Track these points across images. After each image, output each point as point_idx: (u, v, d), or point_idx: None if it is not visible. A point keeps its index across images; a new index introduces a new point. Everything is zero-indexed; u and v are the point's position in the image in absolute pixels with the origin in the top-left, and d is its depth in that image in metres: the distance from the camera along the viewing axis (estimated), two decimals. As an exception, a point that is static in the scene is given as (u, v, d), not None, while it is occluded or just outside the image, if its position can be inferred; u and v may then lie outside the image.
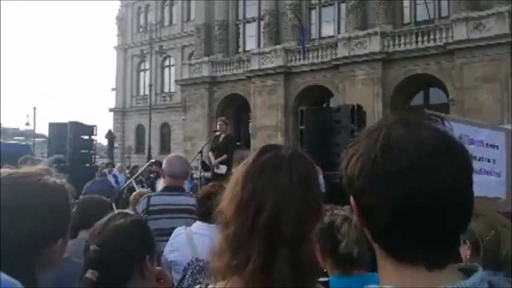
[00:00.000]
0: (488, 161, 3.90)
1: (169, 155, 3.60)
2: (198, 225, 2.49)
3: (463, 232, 0.68)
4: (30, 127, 36.91)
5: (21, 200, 0.97)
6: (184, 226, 2.58)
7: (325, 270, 1.71)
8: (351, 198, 0.71)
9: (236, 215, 0.91)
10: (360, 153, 0.69)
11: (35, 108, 36.81)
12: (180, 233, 2.52)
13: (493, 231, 1.88)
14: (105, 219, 1.48)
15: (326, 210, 1.62)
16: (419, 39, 19.26)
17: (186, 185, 6.79)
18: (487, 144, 3.92)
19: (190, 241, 2.41)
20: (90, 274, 1.33)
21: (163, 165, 3.37)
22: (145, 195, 3.50)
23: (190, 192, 4.04)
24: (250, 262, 0.87)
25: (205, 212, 2.38)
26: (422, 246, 0.65)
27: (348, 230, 1.65)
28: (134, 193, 5.08)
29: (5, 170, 1.03)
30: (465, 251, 1.88)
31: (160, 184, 5.45)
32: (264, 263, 0.87)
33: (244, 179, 0.93)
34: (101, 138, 28.95)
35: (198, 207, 2.55)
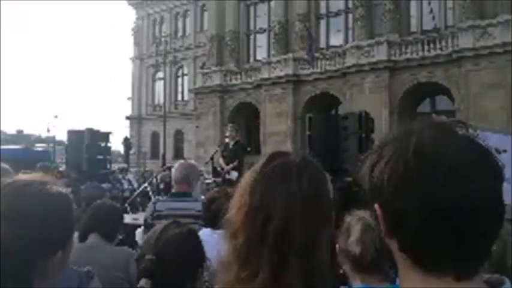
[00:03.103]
0: None
1: (176, 162, 3.70)
2: (204, 232, 2.49)
3: (494, 242, 0.65)
4: (51, 134, 38.37)
5: (22, 209, 0.93)
6: None
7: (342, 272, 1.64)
8: (376, 206, 0.66)
9: (244, 225, 0.87)
10: (387, 158, 0.65)
11: (56, 117, 38.35)
12: None
13: (499, 240, 1.89)
14: (159, 228, 1.42)
15: (343, 216, 1.57)
16: (426, 47, 19.58)
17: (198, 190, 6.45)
18: (496, 150, 4.11)
19: None
20: (144, 283, 1.29)
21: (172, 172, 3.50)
22: (152, 200, 3.64)
23: (203, 197, 4.24)
24: (260, 273, 0.84)
25: (210, 216, 2.48)
26: (453, 255, 0.62)
27: (363, 230, 1.59)
28: None
29: (4, 179, 1.01)
30: None
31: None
32: (274, 274, 0.84)
33: (252, 187, 0.90)
34: (117, 145, 29.81)
35: (203, 212, 2.58)
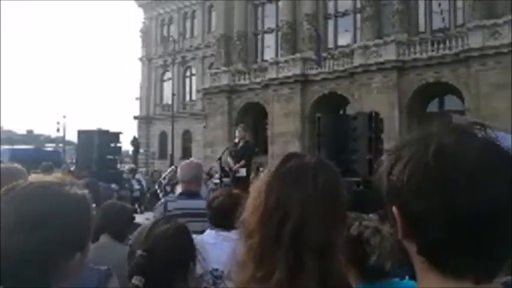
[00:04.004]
0: None
1: (182, 162, 3.77)
2: (209, 234, 2.52)
3: None
4: (61, 134, 38.68)
5: (39, 211, 0.91)
6: (195, 235, 2.78)
7: None
8: (394, 207, 0.65)
9: (260, 225, 0.88)
10: (406, 159, 0.64)
11: (64, 117, 38.64)
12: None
13: None
14: (149, 224, 1.46)
15: (353, 220, 1.57)
16: (435, 47, 19.45)
17: (204, 191, 6.54)
18: None
19: (203, 251, 2.38)
20: (136, 280, 1.30)
21: (178, 172, 3.59)
22: (162, 200, 3.65)
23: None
24: (275, 273, 0.84)
25: (212, 215, 2.52)
26: (474, 258, 0.62)
27: (380, 242, 1.56)
28: None
29: (22, 181, 0.99)
30: None
31: (179, 190, 5.73)
32: (290, 275, 0.84)
33: (267, 187, 0.90)
34: (126, 145, 30.00)
35: (207, 210, 2.63)
